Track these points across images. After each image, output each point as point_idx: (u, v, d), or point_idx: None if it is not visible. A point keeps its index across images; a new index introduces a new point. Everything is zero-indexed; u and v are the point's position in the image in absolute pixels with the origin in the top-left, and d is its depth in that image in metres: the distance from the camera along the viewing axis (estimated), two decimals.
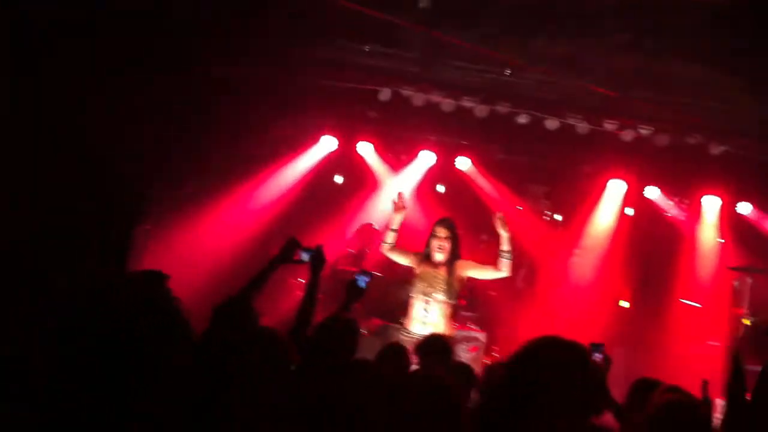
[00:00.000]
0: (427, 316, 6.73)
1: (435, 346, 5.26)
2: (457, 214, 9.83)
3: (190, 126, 8.27)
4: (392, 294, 8.30)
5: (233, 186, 9.14)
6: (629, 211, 10.40)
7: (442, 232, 6.85)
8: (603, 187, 10.33)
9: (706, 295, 9.60)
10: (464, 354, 7.44)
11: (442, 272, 6.79)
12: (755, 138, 9.71)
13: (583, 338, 8.57)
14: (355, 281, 5.04)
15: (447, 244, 6.83)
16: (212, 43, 8.10)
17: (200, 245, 8.53)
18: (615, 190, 10.33)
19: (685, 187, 10.32)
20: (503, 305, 9.46)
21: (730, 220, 10.22)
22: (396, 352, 4.99)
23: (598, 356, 4.66)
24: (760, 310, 8.90)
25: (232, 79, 8.70)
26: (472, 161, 10.09)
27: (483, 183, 10.13)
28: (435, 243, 6.83)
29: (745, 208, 10.23)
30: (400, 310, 8.23)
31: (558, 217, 10.44)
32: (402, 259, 7.07)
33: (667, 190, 10.37)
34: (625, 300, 9.63)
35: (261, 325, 4.13)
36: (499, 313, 9.32)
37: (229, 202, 9.12)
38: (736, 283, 9.05)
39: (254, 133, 9.13)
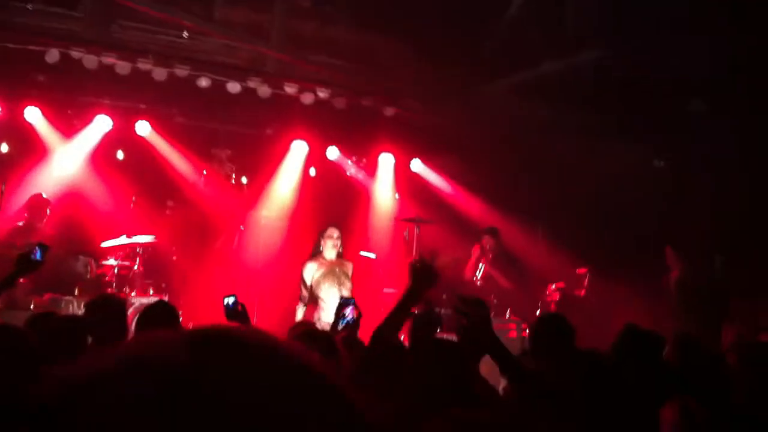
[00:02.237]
0: None
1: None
2: (139, 182, 9.61)
3: None
4: (66, 267, 7.95)
5: None
6: (312, 172, 10.80)
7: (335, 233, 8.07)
8: (287, 149, 10.61)
9: (382, 247, 10.30)
10: None
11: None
12: (421, 100, 10.52)
13: (283, 297, 8.71)
14: (29, 254, 4.79)
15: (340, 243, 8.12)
16: None
17: None
18: (298, 151, 10.65)
19: (362, 146, 10.92)
20: (189, 271, 9.39)
21: (404, 176, 11.01)
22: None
23: (351, 310, 4.82)
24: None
25: None
26: (151, 125, 9.83)
27: (164, 148, 9.92)
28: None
29: (416, 164, 11.07)
30: (73, 284, 7.91)
31: (243, 180, 10.52)
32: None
33: (346, 150, 10.89)
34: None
35: None
36: (184, 278, 9.24)
37: None
38: (406, 234, 9.78)
39: None
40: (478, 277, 9.72)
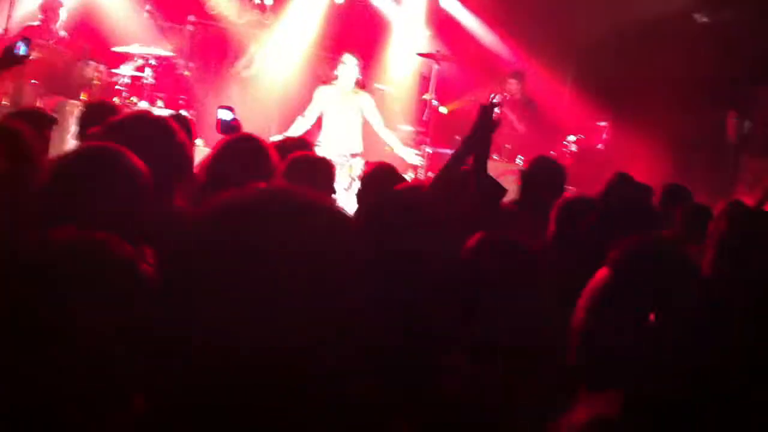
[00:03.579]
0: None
1: None
2: None
3: None
4: (76, 72, 7.95)
5: None
6: None
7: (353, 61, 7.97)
8: None
9: (399, 81, 10.09)
10: None
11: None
12: None
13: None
14: (13, 47, 4.78)
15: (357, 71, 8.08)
16: None
17: None
18: None
19: None
20: (202, 88, 9.35)
21: (431, 9, 10.57)
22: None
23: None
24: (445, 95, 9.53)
25: None
26: None
27: None
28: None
29: None
30: (82, 87, 7.94)
31: (268, 1, 10.19)
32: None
33: None
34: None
35: None
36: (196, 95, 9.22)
37: None
38: (424, 70, 9.55)
39: None
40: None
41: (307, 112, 8.05)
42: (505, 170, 8.60)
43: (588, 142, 9.58)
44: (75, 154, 2.50)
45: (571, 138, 9.45)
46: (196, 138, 5.83)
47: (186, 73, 9.07)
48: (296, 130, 7.80)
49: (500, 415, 2.41)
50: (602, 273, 2.40)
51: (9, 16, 7.71)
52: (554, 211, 4.10)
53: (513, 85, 9.72)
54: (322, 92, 8.11)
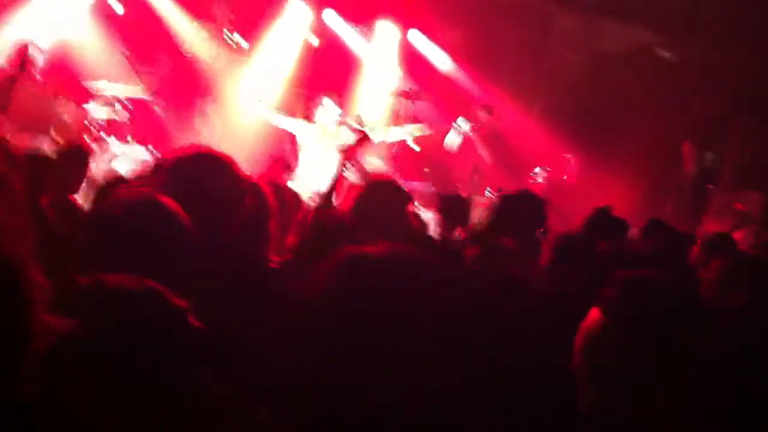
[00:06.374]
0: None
1: None
2: (134, 37, 9.53)
3: None
4: (45, 107, 8.04)
5: None
6: (313, 39, 10.57)
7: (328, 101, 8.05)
8: (284, 11, 10.40)
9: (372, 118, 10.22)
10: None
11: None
12: None
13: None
14: None
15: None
16: None
17: None
18: (297, 14, 10.45)
19: (362, 12, 10.62)
20: (173, 125, 9.46)
21: (401, 46, 10.77)
22: None
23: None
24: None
25: None
26: None
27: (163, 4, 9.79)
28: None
29: (414, 35, 10.81)
30: (51, 124, 8.02)
31: (244, 44, 10.34)
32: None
33: (346, 15, 10.60)
34: None
35: None
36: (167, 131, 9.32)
37: None
38: (399, 109, 9.70)
39: None
40: (455, 146, 9.51)
41: (283, 117, 8.35)
42: (477, 202, 8.70)
43: (554, 174, 9.72)
44: (117, 202, 2.47)
45: (537, 170, 9.60)
46: None
47: (157, 109, 9.16)
48: (267, 115, 8.52)
49: None
50: (594, 314, 2.22)
51: None
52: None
53: (482, 116, 9.85)
54: (302, 124, 8.21)
